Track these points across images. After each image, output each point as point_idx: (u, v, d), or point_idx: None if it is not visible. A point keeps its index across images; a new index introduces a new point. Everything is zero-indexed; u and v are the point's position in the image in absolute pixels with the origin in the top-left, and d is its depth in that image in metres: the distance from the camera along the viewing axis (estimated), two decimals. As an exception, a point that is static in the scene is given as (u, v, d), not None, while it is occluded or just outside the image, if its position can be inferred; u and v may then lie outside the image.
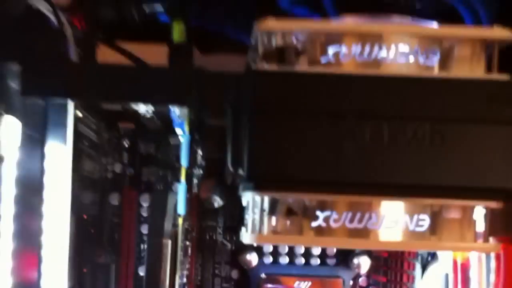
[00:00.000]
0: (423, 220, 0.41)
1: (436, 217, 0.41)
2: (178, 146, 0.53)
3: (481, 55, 0.41)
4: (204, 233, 0.60)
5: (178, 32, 0.49)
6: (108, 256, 0.57)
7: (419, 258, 0.58)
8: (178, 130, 0.50)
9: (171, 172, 0.58)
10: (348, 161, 0.39)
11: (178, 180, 0.49)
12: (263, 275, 0.59)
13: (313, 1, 0.47)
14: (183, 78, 0.41)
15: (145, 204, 0.58)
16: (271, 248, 0.59)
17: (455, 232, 0.41)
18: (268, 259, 0.59)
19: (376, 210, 0.40)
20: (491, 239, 0.42)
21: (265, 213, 0.39)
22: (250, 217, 0.41)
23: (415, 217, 0.40)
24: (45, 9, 0.44)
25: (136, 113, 0.52)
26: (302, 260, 0.59)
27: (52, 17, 0.44)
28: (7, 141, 0.40)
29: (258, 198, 0.40)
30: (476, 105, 0.40)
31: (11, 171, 0.41)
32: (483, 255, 0.47)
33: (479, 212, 0.42)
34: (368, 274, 0.60)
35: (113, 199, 0.58)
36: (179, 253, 0.47)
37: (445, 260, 0.53)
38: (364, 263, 0.59)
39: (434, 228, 0.41)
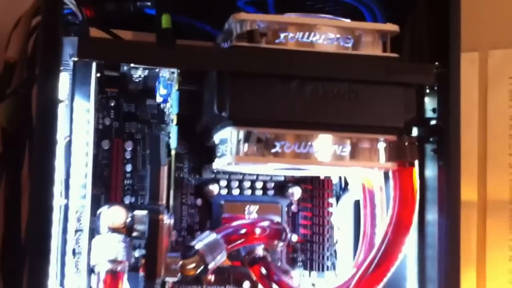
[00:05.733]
0: (346, 147, 0.57)
1: (354, 147, 0.58)
2: (152, 106, 0.67)
3: (379, 41, 0.58)
4: (174, 173, 0.70)
5: (166, 20, 0.57)
6: (99, 189, 0.69)
7: (334, 190, 0.74)
8: (162, 90, 0.63)
9: (147, 126, 0.69)
10: (295, 107, 0.55)
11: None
12: (222, 202, 0.70)
13: (259, 4, 0.62)
14: (174, 50, 0.55)
15: (128, 149, 0.70)
16: (225, 183, 0.71)
17: (366, 156, 0.58)
18: (224, 191, 0.71)
19: (315, 141, 0.56)
20: (390, 163, 0.59)
21: (241, 142, 0.55)
22: (229, 145, 0.56)
23: (340, 146, 0.57)
24: (71, 3, 0.58)
25: (120, 79, 0.66)
26: (249, 192, 0.71)
27: (75, 9, 0.58)
28: (64, 88, 0.55)
29: (235, 132, 0.56)
30: (377, 72, 0.56)
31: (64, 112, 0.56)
32: (383, 186, 0.62)
33: (382, 144, 0.59)
34: (298, 202, 0.73)
35: (104, 144, 0.70)
36: (172, 175, 0.61)
37: (355, 189, 0.68)
38: (296, 192, 0.72)
39: (353, 154, 0.58)
